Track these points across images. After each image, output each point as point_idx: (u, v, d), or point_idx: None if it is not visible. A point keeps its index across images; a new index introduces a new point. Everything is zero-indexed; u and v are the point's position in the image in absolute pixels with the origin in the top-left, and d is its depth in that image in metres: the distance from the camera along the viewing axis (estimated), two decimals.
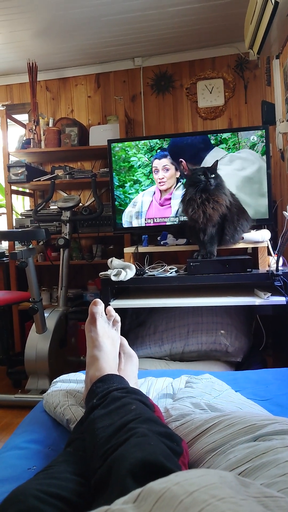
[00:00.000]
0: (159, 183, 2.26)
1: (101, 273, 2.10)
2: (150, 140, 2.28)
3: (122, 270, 2.00)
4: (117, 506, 0.40)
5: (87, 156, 3.31)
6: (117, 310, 1.18)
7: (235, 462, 0.61)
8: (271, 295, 1.90)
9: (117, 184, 2.33)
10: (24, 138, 3.22)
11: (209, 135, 2.24)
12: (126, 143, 2.31)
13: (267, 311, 2.52)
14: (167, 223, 2.28)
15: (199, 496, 0.37)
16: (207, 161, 2.20)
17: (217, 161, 1.94)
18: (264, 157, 2.18)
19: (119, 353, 1.07)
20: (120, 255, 2.29)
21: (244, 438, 0.66)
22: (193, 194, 1.90)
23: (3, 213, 3.45)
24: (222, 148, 2.22)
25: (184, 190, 2.00)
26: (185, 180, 2.12)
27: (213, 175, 1.89)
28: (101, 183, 3.07)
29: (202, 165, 2.12)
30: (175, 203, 2.26)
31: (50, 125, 3.33)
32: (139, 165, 2.29)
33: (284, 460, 0.56)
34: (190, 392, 1.03)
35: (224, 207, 1.89)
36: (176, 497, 0.38)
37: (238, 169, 2.19)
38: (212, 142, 2.23)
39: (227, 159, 2.20)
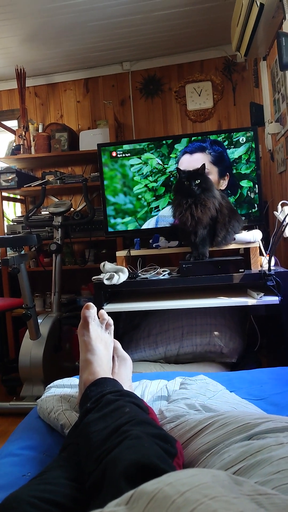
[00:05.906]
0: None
1: (94, 277, 2.09)
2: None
3: (115, 273, 1.99)
4: (110, 509, 0.40)
5: (78, 161, 3.31)
6: (110, 314, 1.17)
7: (229, 462, 0.61)
8: (264, 295, 1.91)
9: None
10: (14, 144, 3.21)
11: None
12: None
13: (260, 311, 2.52)
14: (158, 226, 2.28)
15: (191, 495, 0.37)
16: None
17: (204, 164, 1.94)
18: None
19: (113, 356, 1.06)
20: (113, 259, 2.28)
21: (238, 437, 0.66)
22: (180, 199, 1.90)
23: None
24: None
25: (173, 194, 2.00)
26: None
27: (198, 180, 1.88)
28: (92, 188, 3.07)
29: None
30: None
31: (40, 130, 3.32)
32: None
33: (278, 458, 0.56)
34: (184, 394, 1.03)
35: (213, 210, 1.88)
36: (168, 497, 0.37)
37: None
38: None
39: None
